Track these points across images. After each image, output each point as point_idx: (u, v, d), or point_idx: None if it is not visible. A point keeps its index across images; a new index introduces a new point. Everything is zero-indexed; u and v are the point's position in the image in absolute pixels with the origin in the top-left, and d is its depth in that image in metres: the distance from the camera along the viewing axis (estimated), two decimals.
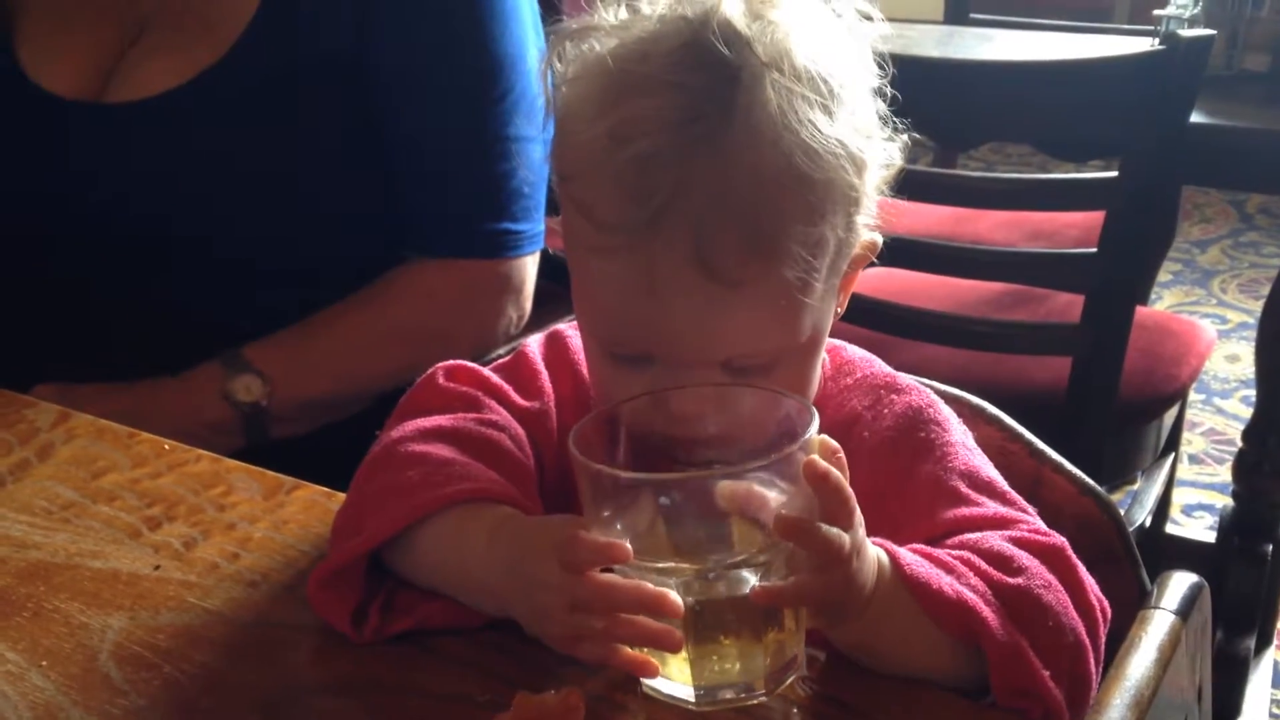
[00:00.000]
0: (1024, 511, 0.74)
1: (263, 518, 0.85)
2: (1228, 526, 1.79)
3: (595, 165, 0.69)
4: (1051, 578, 0.69)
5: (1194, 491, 2.49)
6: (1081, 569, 0.71)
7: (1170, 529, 2.19)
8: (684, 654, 0.64)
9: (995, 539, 0.70)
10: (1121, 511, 0.90)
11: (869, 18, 0.74)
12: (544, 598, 0.66)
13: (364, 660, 0.72)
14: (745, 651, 0.65)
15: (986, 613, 0.66)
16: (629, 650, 0.65)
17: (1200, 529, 2.35)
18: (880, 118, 0.74)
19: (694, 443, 0.70)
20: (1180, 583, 0.77)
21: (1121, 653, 0.71)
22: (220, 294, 1.17)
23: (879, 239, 0.77)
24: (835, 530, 0.62)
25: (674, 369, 0.71)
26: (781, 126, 0.67)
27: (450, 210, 1.19)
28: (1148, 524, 1.87)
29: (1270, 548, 1.75)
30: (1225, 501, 1.91)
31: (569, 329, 0.86)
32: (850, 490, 0.63)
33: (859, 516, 0.64)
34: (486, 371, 0.83)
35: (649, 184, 0.66)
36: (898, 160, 0.75)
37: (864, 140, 0.71)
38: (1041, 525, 0.73)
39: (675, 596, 0.62)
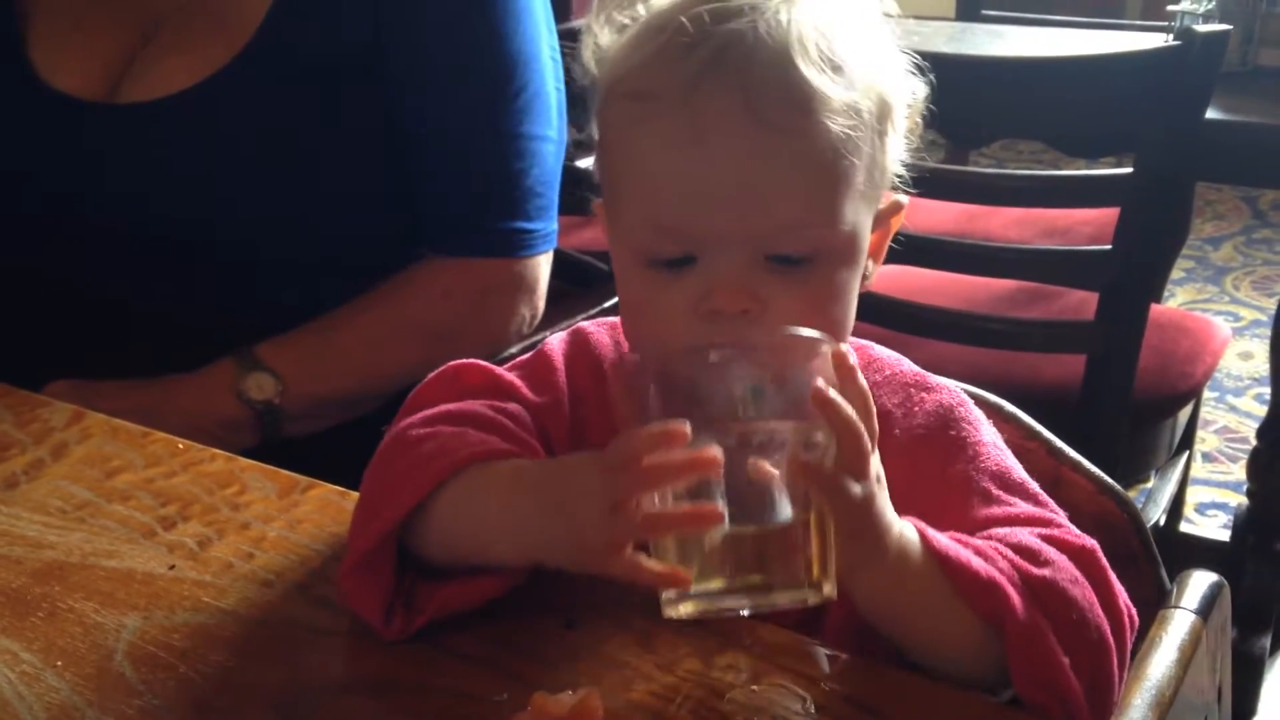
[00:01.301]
0: (1055, 513, 0.74)
1: (277, 517, 0.85)
2: (1242, 525, 1.79)
3: (641, 53, 0.73)
4: (1080, 575, 0.68)
5: (1207, 490, 2.48)
6: (1112, 574, 0.70)
7: (1184, 528, 2.19)
8: (716, 554, 0.64)
9: (1024, 534, 0.70)
10: None
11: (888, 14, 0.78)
12: (582, 507, 0.66)
13: (380, 660, 0.72)
14: (777, 551, 0.64)
15: (1010, 592, 0.66)
16: (660, 566, 0.65)
17: (1214, 527, 2.34)
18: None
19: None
20: (1200, 582, 0.76)
21: (1142, 653, 0.70)
22: (234, 291, 1.17)
23: (904, 200, 0.79)
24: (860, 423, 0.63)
25: (714, 260, 0.71)
26: (819, 16, 0.72)
27: (464, 209, 1.19)
28: (1162, 523, 1.87)
29: None
30: (1239, 500, 1.91)
31: (591, 326, 0.86)
32: (860, 428, 0.64)
33: (876, 459, 0.65)
34: (498, 370, 0.83)
35: (695, 41, 0.70)
36: (921, 97, 0.78)
37: (892, 67, 0.76)
38: (1073, 528, 0.72)
39: (714, 448, 0.62)
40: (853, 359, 0.65)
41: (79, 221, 1.18)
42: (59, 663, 0.72)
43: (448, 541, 0.73)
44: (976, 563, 0.67)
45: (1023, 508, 0.73)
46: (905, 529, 0.68)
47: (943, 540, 0.68)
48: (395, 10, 1.14)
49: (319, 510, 0.85)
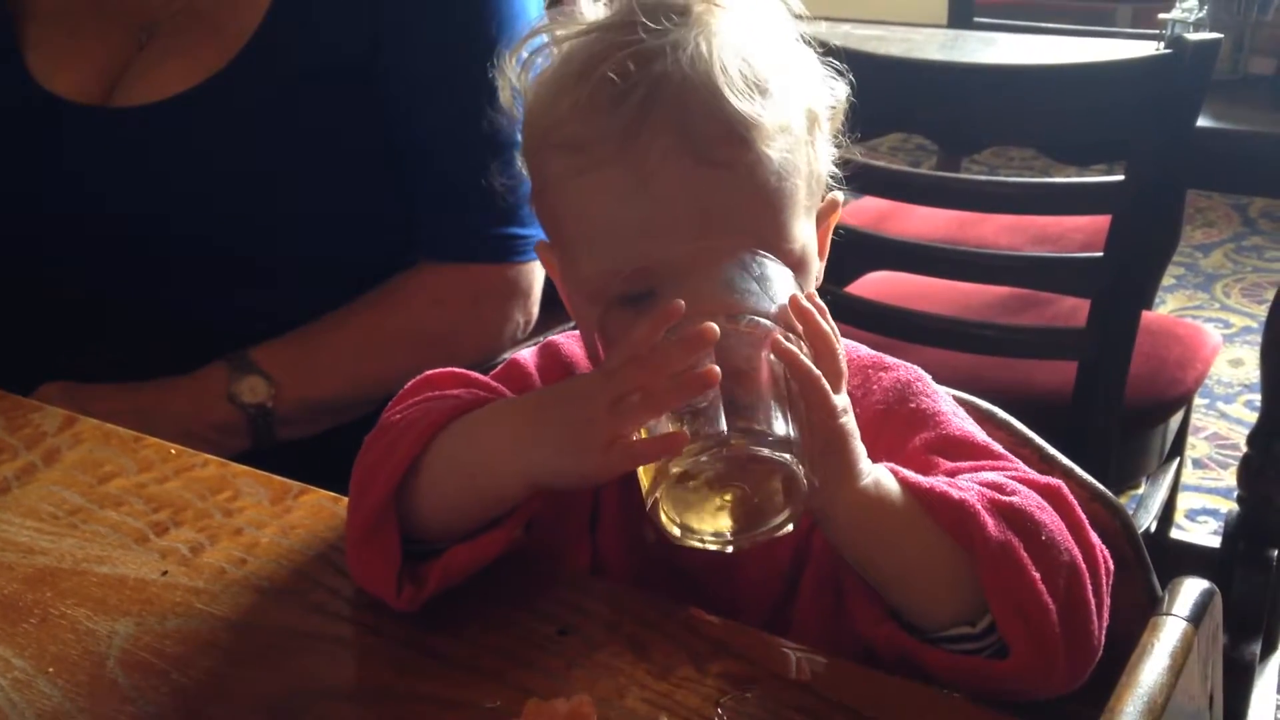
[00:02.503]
0: (1022, 468, 0.75)
1: (270, 523, 0.85)
2: (1233, 531, 1.79)
3: (568, 101, 0.73)
4: (1046, 505, 0.70)
5: (1198, 496, 2.49)
6: (1080, 511, 0.72)
7: (1175, 534, 2.19)
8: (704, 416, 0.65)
9: (990, 474, 0.73)
10: None
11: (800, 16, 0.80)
12: (581, 409, 0.68)
13: (372, 666, 0.72)
14: (764, 414, 0.66)
15: (981, 512, 0.68)
16: (656, 437, 0.66)
17: (1205, 534, 2.34)
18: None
19: None
20: (1192, 589, 0.76)
21: (1134, 660, 0.70)
22: (228, 296, 1.17)
23: (840, 198, 0.81)
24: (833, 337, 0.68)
25: (675, 293, 0.70)
26: (737, 40, 0.72)
27: (459, 215, 1.19)
28: (1153, 529, 1.87)
29: (1276, 553, 1.75)
30: (1230, 506, 1.91)
31: (562, 339, 0.87)
32: (834, 342, 0.69)
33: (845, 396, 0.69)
34: (475, 374, 0.84)
35: (624, 88, 0.70)
36: (843, 98, 0.79)
37: (812, 74, 0.77)
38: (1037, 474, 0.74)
39: (709, 324, 0.64)
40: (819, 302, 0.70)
41: (73, 224, 1.18)
42: (51, 669, 0.71)
43: (446, 489, 0.74)
44: (947, 487, 0.69)
45: (987, 464, 0.75)
46: (878, 468, 0.70)
47: (914, 474, 0.71)
48: (392, 20, 1.14)
49: (311, 515, 0.85)
